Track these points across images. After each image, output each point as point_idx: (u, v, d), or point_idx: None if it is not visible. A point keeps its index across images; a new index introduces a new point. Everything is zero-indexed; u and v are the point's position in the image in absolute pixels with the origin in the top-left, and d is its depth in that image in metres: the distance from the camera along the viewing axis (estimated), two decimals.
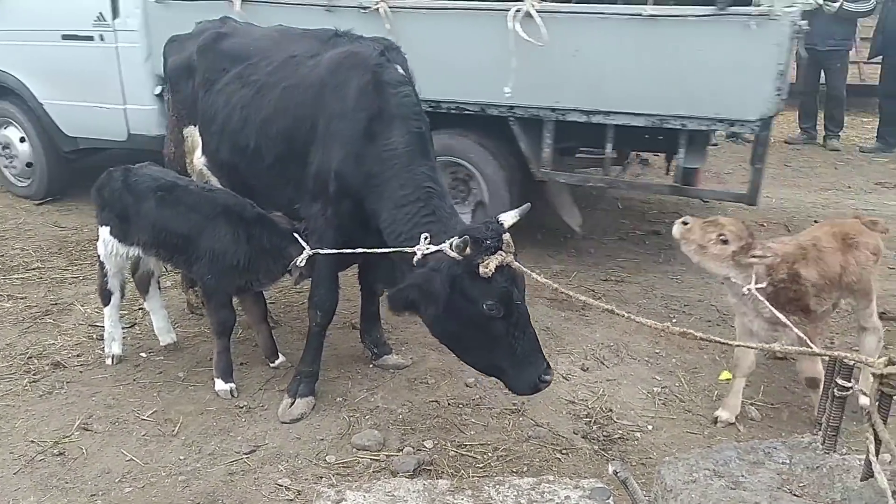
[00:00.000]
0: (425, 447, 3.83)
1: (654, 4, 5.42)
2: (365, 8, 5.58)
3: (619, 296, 5.51)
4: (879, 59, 9.74)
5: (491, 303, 3.25)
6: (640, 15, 5.03)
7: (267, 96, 4.16)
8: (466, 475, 3.60)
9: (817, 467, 2.43)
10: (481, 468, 3.69)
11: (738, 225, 3.65)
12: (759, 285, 3.56)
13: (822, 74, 9.89)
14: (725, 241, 3.60)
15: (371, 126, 3.78)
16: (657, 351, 4.77)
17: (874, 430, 2.15)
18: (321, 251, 3.87)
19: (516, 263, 3.24)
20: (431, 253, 3.35)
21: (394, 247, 3.58)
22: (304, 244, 3.92)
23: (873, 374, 2.14)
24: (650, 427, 4.02)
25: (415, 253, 3.40)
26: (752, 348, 2.87)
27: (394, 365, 4.56)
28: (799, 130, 10.27)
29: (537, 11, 5.10)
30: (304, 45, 4.28)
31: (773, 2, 4.76)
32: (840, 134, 9.97)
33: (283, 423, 4.00)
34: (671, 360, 4.66)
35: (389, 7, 5.51)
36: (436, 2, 5.55)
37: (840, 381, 2.29)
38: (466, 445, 3.86)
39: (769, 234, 4.24)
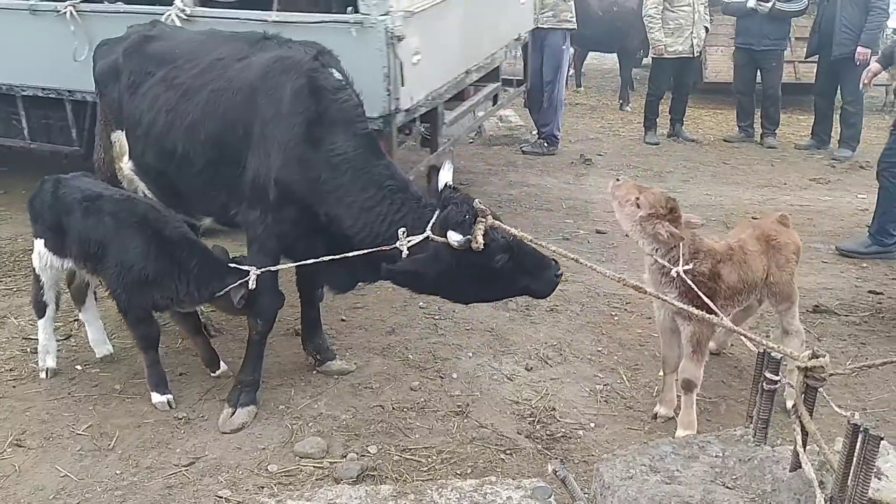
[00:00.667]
0: (369, 453, 3.81)
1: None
2: (59, 11, 5.84)
3: (562, 294, 5.53)
4: (815, 58, 9.98)
5: (499, 257, 3.54)
6: (266, 20, 5.16)
7: (193, 99, 4.09)
8: (410, 479, 3.58)
9: (749, 459, 2.48)
10: (425, 472, 3.68)
11: (660, 198, 3.70)
12: (686, 267, 3.60)
13: (759, 74, 10.13)
14: (638, 205, 3.69)
15: (311, 131, 3.77)
16: (599, 349, 4.82)
17: (801, 422, 2.21)
18: (284, 266, 3.91)
19: (498, 223, 3.49)
20: (417, 243, 3.50)
21: (371, 248, 3.63)
22: (247, 268, 3.87)
23: (798, 368, 2.20)
24: (592, 425, 4.06)
25: (398, 250, 3.51)
26: (711, 320, 2.91)
27: (338, 370, 4.51)
28: (737, 129, 10.47)
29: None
30: (231, 47, 4.23)
31: (370, 9, 4.97)
32: (776, 132, 10.18)
33: (223, 433, 3.93)
34: (613, 358, 4.71)
35: (76, 10, 5.83)
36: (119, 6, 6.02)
37: (768, 375, 2.34)
38: (411, 449, 3.85)
39: (705, 231, 4.31)
